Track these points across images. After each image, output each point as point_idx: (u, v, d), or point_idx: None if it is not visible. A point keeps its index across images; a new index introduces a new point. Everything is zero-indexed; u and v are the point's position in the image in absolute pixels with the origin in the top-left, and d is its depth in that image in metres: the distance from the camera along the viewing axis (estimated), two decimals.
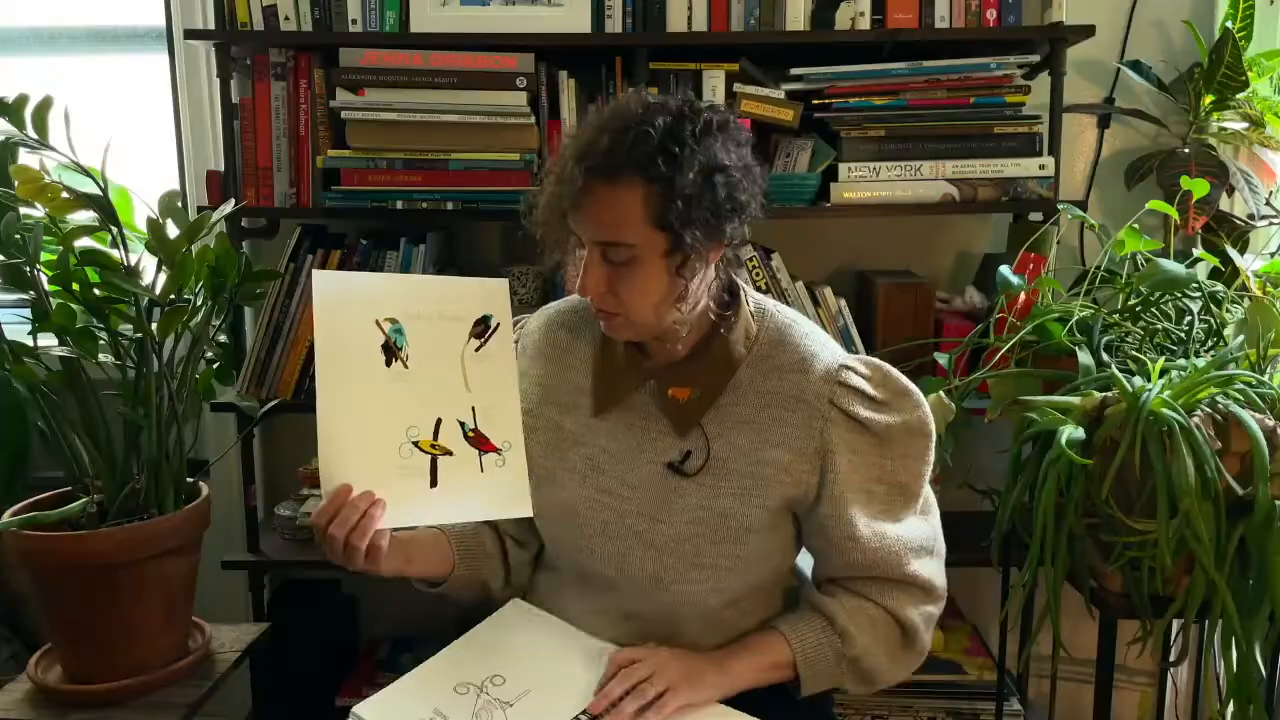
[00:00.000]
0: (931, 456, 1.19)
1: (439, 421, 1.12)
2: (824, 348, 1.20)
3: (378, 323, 1.11)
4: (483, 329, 1.17)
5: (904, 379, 1.19)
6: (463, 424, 1.13)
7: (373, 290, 1.13)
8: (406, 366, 1.12)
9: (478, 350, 1.16)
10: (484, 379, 1.15)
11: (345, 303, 1.11)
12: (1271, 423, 1.21)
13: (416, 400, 1.12)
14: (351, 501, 1.06)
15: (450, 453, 1.12)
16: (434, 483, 1.11)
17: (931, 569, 1.20)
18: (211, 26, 1.80)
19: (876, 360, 1.20)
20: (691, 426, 1.17)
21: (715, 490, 1.15)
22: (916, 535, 1.19)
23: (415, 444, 1.11)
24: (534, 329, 1.33)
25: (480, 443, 1.14)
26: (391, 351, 1.12)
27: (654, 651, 1.14)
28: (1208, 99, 1.83)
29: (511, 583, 1.31)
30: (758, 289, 1.74)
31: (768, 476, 1.15)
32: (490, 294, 1.18)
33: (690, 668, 1.13)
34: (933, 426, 1.19)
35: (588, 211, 1.09)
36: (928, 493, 1.22)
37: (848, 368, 1.17)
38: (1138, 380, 1.28)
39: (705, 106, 1.12)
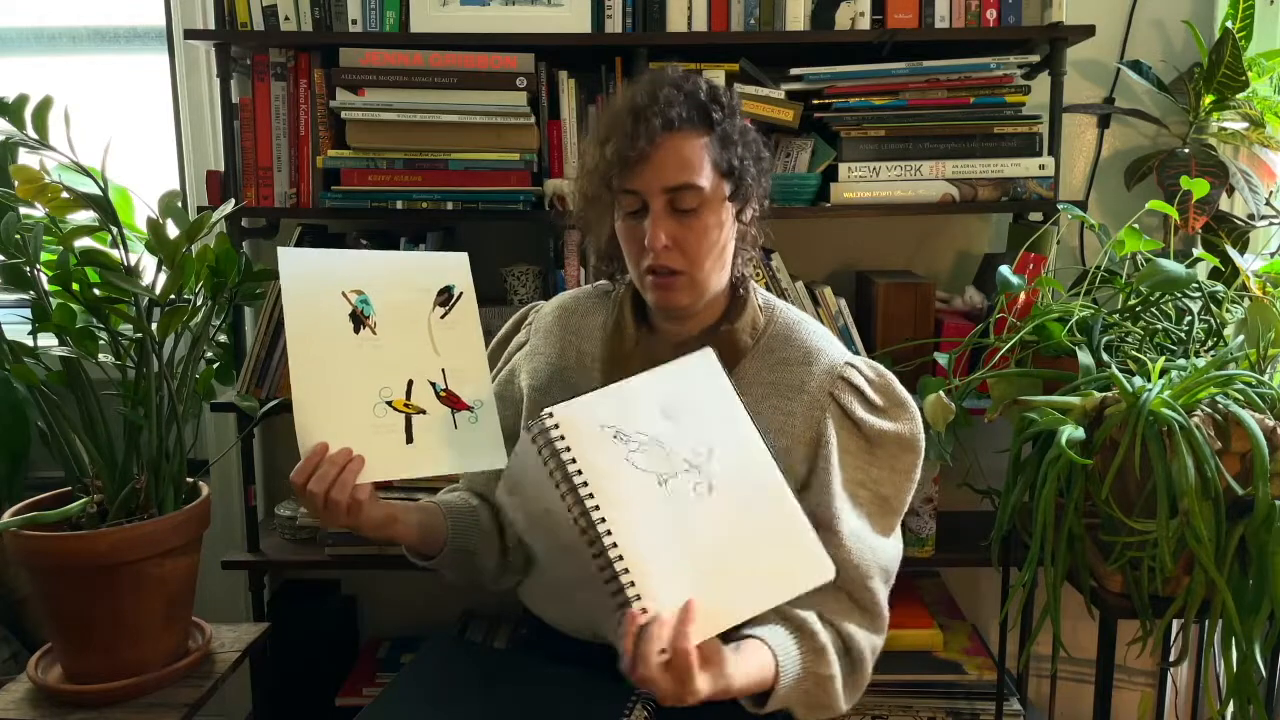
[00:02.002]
0: (917, 476, 1.19)
1: (410, 383, 1.15)
2: (831, 345, 1.22)
3: (344, 294, 1.14)
4: (446, 298, 1.20)
5: (905, 392, 1.19)
6: (434, 384, 1.16)
7: (337, 264, 1.17)
8: (374, 333, 1.15)
9: (443, 318, 1.19)
10: (451, 343, 1.18)
11: (311, 276, 1.14)
12: (1271, 423, 1.21)
13: (387, 364, 1.14)
14: (330, 458, 1.08)
15: (424, 411, 1.15)
16: (409, 439, 1.13)
17: (883, 594, 1.17)
18: (211, 26, 1.80)
19: (882, 367, 1.21)
20: None
21: None
22: (887, 555, 1.17)
23: (389, 404, 1.13)
24: (547, 311, 1.35)
25: (453, 402, 1.17)
26: (359, 320, 1.15)
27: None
28: (1208, 99, 1.83)
29: (508, 562, 1.31)
30: None
31: None
32: (451, 266, 1.22)
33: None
34: (923, 445, 1.18)
35: (658, 163, 1.12)
36: (899, 527, 1.21)
37: (852, 366, 1.19)
38: (1138, 380, 1.28)
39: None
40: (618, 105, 1.16)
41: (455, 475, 1.40)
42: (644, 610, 0.95)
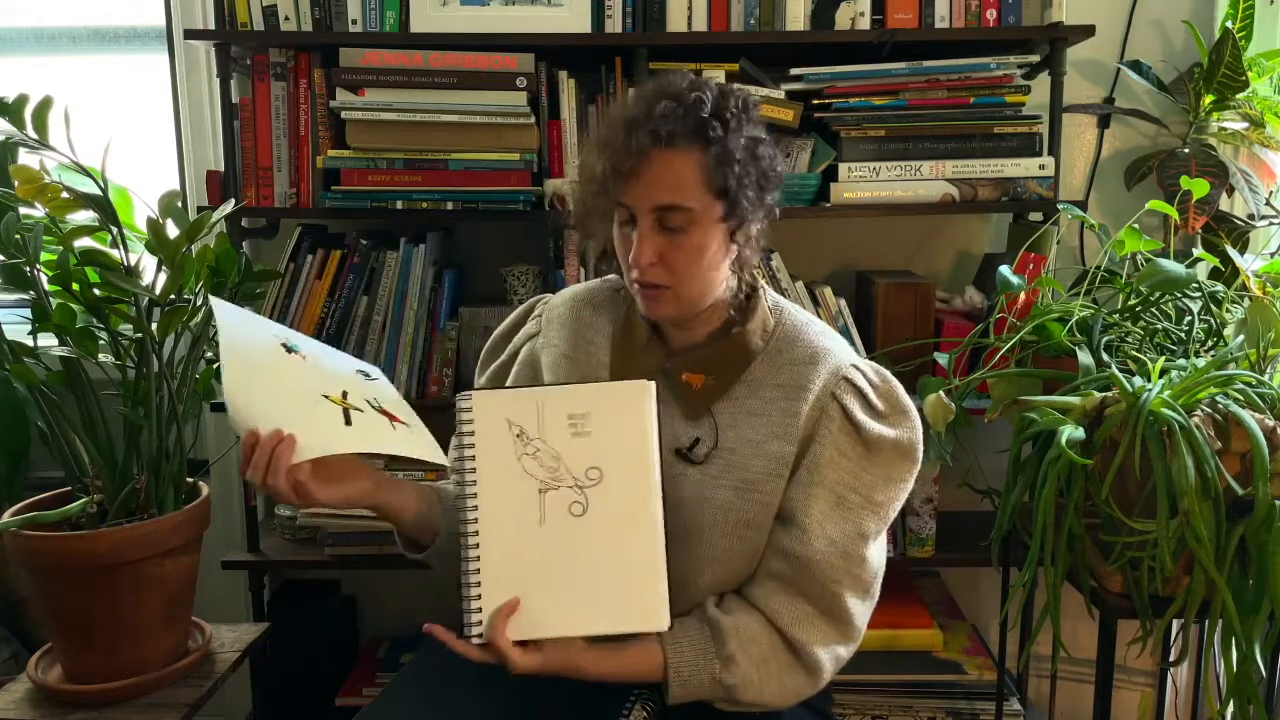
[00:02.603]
0: (911, 484, 1.18)
1: (345, 394, 1.14)
2: (838, 346, 1.21)
3: (274, 335, 1.17)
4: (364, 375, 1.23)
5: (908, 400, 1.18)
6: (369, 400, 1.16)
7: (267, 322, 1.21)
8: (305, 360, 1.16)
9: (366, 380, 1.21)
10: (378, 392, 1.19)
11: (244, 320, 1.17)
12: (1271, 423, 1.21)
13: (321, 378, 1.15)
14: (261, 443, 1.05)
15: (361, 410, 1.14)
16: (348, 423, 1.11)
17: (859, 608, 1.15)
18: (211, 26, 1.80)
19: (888, 373, 1.20)
20: (701, 413, 1.18)
21: (716, 481, 1.15)
22: (866, 564, 1.15)
23: (325, 396, 1.12)
24: (558, 303, 1.32)
25: (388, 416, 1.16)
26: (291, 351, 1.16)
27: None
28: (1208, 99, 1.83)
29: None
30: None
31: (769, 471, 1.15)
32: (371, 370, 1.24)
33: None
34: (921, 454, 1.17)
35: (646, 177, 1.10)
36: (883, 536, 1.19)
37: (857, 368, 1.18)
38: (1138, 380, 1.28)
39: (734, 88, 1.16)
40: (616, 114, 1.14)
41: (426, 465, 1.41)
42: (478, 597, 1.07)
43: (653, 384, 1.09)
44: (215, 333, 1.17)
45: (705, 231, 1.11)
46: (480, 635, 1.06)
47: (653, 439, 1.09)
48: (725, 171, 1.09)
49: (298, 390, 1.11)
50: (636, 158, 1.09)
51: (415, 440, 1.15)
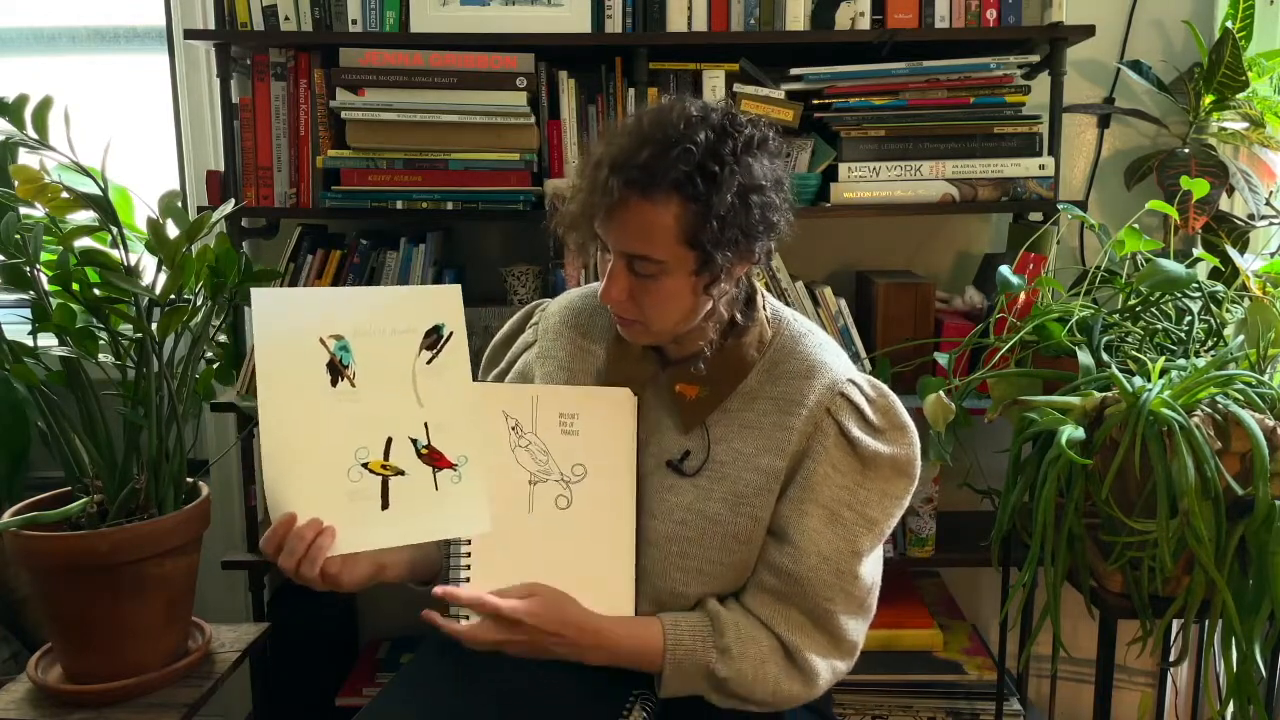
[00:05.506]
0: (907, 501, 1.17)
1: (389, 440, 1.08)
2: (835, 359, 1.19)
3: (322, 340, 1.07)
4: (435, 339, 1.11)
5: (905, 415, 1.17)
6: (415, 441, 1.10)
7: (317, 307, 1.09)
8: (354, 385, 1.08)
9: (430, 363, 1.11)
10: (437, 392, 1.11)
11: (288, 321, 1.07)
12: (1271, 423, 1.21)
13: (365, 420, 1.08)
14: (297, 531, 1.04)
15: (402, 472, 1.09)
16: (385, 505, 1.08)
17: (852, 624, 1.15)
18: (211, 26, 1.80)
19: (885, 388, 1.18)
20: (695, 425, 1.17)
21: (708, 494, 1.15)
22: (860, 582, 1.14)
23: (365, 465, 1.07)
24: (554, 312, 1.32)
25: (435, 459, 1.10)
26: (337, 370, 1.07)
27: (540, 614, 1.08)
28: (1208, 99, 1.83)
29: None
30: None
31: (761, 485, 1.14)
32: (441, 302, 1.13)
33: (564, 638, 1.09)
34: (918, 471, 1.16)
35: (619, 222, 1.07)
36: (878, 551, 1.18)
37: (854, 383, 1.16)
38: (1138, 380, 1.28)
39: (745, 121, 1.11)
40: (600, 146, 1.11)
41: None
42: (468, 580, 1.12)
43: (634, 398, 1.18)
44: (252, 352, 1.12)
45: (676, 281, 1.09)
46: (469, 616, 1.09)
47: (632, 443, 1.18)
48: (703, 228, 1.04)
49: (339, 453, 1.06)
50: (612, 202, 1.06)
51: (457, 503, 1.11)
